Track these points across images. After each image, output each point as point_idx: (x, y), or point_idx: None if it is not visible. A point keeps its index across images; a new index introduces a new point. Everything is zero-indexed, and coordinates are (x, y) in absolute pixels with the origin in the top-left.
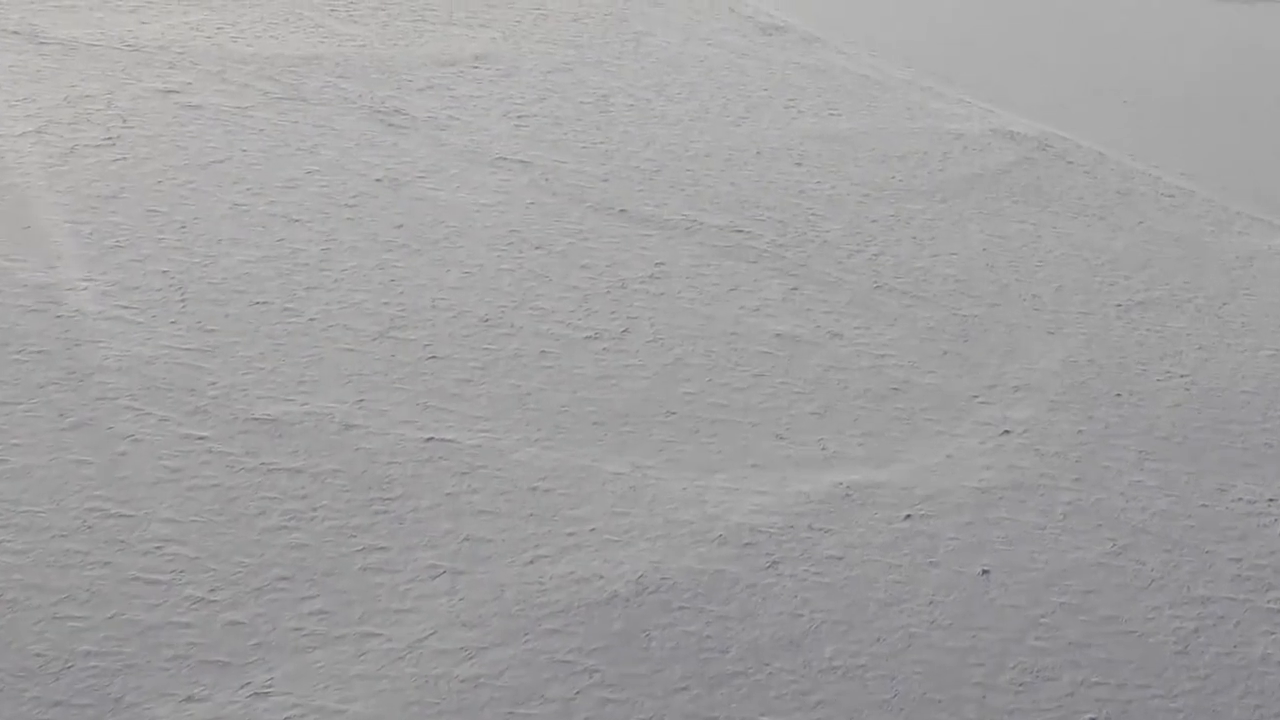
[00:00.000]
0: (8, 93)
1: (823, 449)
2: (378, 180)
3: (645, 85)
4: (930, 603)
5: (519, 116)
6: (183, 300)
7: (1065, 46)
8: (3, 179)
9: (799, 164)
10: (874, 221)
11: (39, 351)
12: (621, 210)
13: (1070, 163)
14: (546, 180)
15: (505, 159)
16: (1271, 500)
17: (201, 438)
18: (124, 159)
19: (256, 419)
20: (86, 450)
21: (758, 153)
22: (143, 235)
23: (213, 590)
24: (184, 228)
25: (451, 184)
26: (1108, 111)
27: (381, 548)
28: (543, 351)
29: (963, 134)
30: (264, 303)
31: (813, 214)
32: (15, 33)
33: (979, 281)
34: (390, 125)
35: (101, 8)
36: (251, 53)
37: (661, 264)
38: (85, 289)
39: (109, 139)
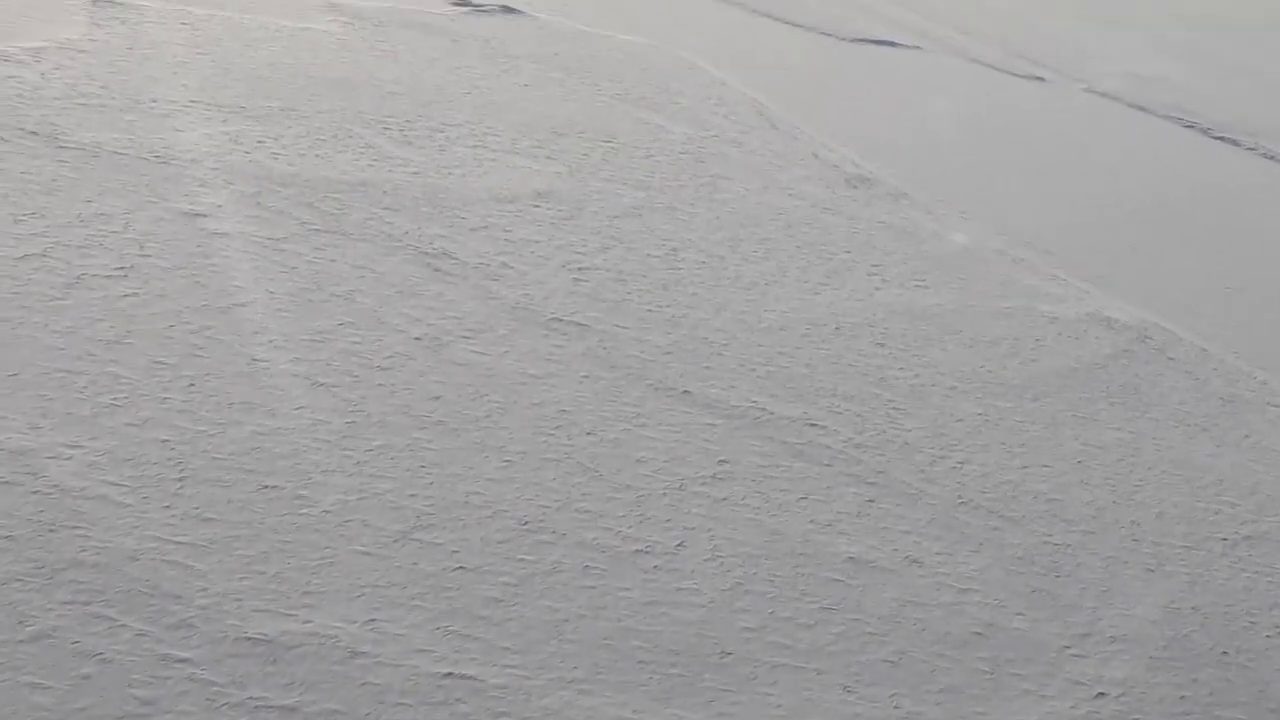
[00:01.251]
0: (15, 205)
1: (895, 707)
2: (417, 339)
3: (718, 239)
4: None
5: (579, 269)
6: (181, 479)
7: (1166, 224)
8: None
9: (881, 344)
10: (960, 421)
11: (5, 538)
12: (685, 391)
13: (1171, 359)
14: (605, 349)
15: (560, 320)
16: None
17: (183, 660)
18: (135, 295)
19: (249, 639)
20: (44, 670)
21: (837, 328)
22: (144, 392)
23: None
24: (192, 385)
25: (499, 348)
26: (1210, 300)
27: None
28: (586, 567)
29: (1057, 318)
30: (274, 487)
31: (894, 408)
32: (34, 133)
33: (1073, 502)
34: (437, 271)
35: (134, 109)
36: (292, 173)
37: (725, 462)
38: (70, 458)
39: (121, 269)
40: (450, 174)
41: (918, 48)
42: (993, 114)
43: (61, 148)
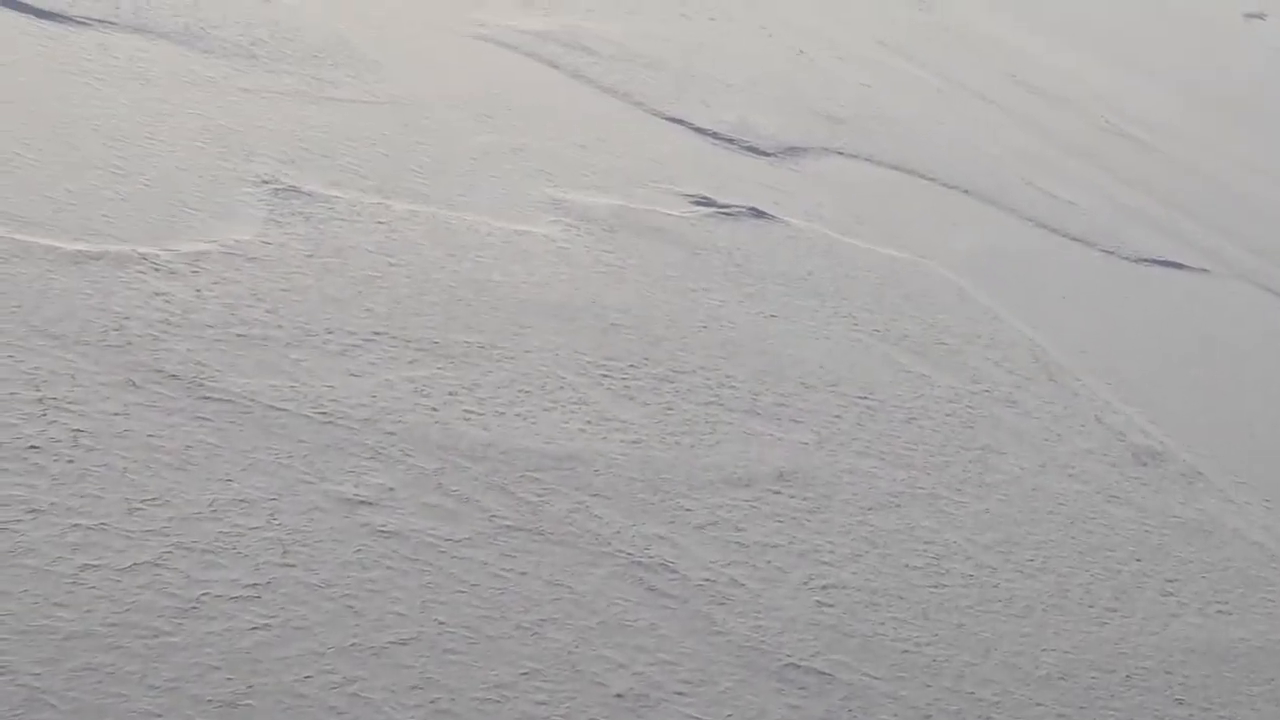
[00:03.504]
0: (135, 486)
1: None
2: (618, 696)
3: (989, 540)
4: None
5: (824, 586)
6: None
7: None
8: (81, 654)
9: (1180, 700)
10: None
11: None
12: None
13: None
14: (850, 712)
15: (798, 666)
16: None
17: None
18: (265, 627)
19: None
20: None
21: (1127, 676)
22: None
23: None
24: None
25: (720, 709)
26: None
27: None
28: None
29: None
30: None
31: None
32: (174, 377)
33: None
34: (651, 590)
35: (303, 343)
36: (486, 441)
37: None
38: None
39: (253, 586)
40: (676, 444)
41: (1205, 270)
42: None
43: (205, 399)
